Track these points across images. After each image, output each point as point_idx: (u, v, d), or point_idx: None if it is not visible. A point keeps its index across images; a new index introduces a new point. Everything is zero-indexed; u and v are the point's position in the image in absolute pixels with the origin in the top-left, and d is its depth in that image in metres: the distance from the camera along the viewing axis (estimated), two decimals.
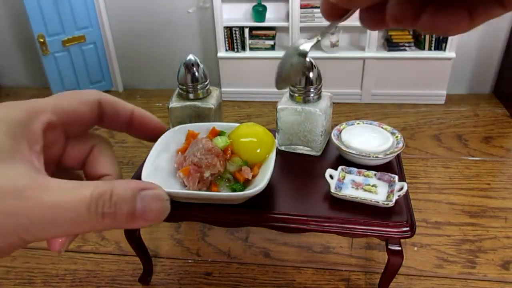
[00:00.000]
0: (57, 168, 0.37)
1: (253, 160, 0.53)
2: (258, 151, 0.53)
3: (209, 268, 0.74)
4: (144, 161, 0.65)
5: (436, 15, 0.19)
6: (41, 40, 1.45)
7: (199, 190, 0.51)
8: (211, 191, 0.51)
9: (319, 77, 0.62)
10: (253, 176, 0.52)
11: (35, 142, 0.31)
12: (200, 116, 0.66)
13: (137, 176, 0.61)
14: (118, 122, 0.41)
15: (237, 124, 0.56)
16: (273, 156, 0.52)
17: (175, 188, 0.51)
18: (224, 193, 0.51)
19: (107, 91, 1.66)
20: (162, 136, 0.53)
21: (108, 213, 0.26)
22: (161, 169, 0.52)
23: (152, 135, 0.51)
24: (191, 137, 0.55)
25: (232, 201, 0.53)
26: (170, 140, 0.54)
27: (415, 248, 0.76)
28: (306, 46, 0.36)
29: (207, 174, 0.50)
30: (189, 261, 0.76)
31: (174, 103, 0.66)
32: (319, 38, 0.36)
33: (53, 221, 0.25)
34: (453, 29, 0.19)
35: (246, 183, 0.52)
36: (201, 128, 0.56)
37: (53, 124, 0.33)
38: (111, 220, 0.27)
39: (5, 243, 0.25)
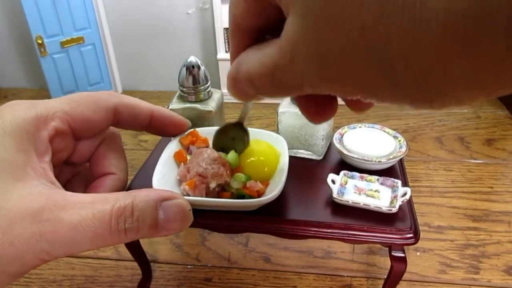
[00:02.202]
0: (64, 164, 0.36)
1: (261, 179, 0.52)
2: (266, 169, 0.53)
3: (209, 274, 0.73)
4: (143, 165, 0.64)
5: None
6: (39, 41, 1.44)
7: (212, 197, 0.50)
8: (221, 198, 0.50)
9: None
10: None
11: (44, 152, 0.29)
12: (200, 118, 0.65)
13: (139, 180, 0.60)
14: (136, 124, 0.40)
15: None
16: (285, 166, 0.51)
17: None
18: (240, 200, 0.50)
19: None
20: (170, 143, 0.52)
21: (130, 228, 0.25)
22: (170, 176, 0.51)
23: (173, 133, 0.50)
24: (194, 136, 0.55)
25: (246, 208, 0.52)
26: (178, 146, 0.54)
27: (418, 253, 0.75)
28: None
29: (213, 184, 0.49)
30: (189, 266, 0.75)
31: (174, 105, 0.65)
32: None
33: (73, 241, 0.24)
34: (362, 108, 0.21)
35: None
36: (210, 132, 0.56)
37: (62, 131, 0.32)
38: (133, 234, 0.26)
39: (27, 267, 0.24)
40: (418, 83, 0.14)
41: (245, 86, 0.20)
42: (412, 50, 0.13)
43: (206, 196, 0.49)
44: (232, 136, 0.52)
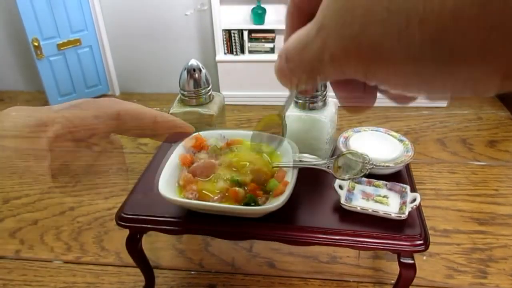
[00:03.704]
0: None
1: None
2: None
3: (212, 280, 0.72)
4: (147, 168, 0.63)
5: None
6: (36, 43, 1.42)
7: (219, 202, 0.49)
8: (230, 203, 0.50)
9: (324, 83, 0.60)
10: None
11: (42, 158, 0.29)
12: (202, 122, 0.64)
13: (141, 185, 0.59)
14: (139, 131, 0.39)
15: (250, 132, 0.55)
16: (294, 172, 0.51)
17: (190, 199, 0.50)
18: (246, 207, 0.49)
19: (104, 95, 1.64)
20: (176, 147, 0.51)
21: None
22: (174, 180, 0.51)
23: (177, 139, 0.49)
24: (198, 140, 0.54)
25: (251, 215, 0.51)
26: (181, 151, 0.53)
27: (424, 258, 0.74)
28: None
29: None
30: (192, 272, 0.74)
31: (175, 109, 0.64)
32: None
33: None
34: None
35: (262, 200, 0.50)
36: (212, 135, 0.54)
37: (61, 137, 0.32)
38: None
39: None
40: (432, 43, 0.13)
41: (283, 64, 0.19)
42: (427, 4, 0.12)
43: (220, 196, 0.49)
44: (271, 129, 0.52)
